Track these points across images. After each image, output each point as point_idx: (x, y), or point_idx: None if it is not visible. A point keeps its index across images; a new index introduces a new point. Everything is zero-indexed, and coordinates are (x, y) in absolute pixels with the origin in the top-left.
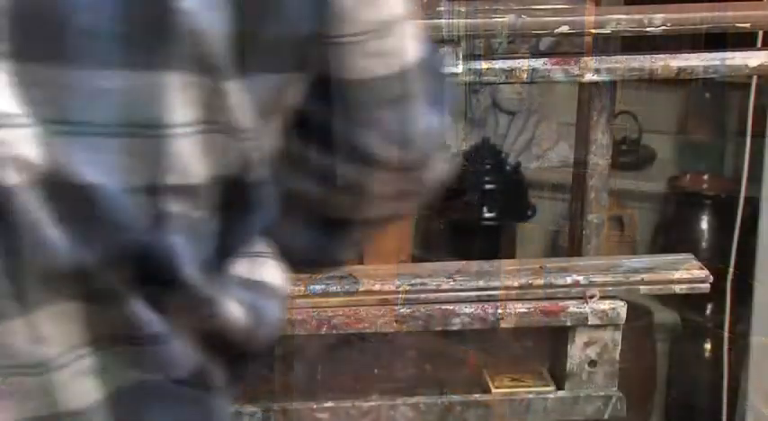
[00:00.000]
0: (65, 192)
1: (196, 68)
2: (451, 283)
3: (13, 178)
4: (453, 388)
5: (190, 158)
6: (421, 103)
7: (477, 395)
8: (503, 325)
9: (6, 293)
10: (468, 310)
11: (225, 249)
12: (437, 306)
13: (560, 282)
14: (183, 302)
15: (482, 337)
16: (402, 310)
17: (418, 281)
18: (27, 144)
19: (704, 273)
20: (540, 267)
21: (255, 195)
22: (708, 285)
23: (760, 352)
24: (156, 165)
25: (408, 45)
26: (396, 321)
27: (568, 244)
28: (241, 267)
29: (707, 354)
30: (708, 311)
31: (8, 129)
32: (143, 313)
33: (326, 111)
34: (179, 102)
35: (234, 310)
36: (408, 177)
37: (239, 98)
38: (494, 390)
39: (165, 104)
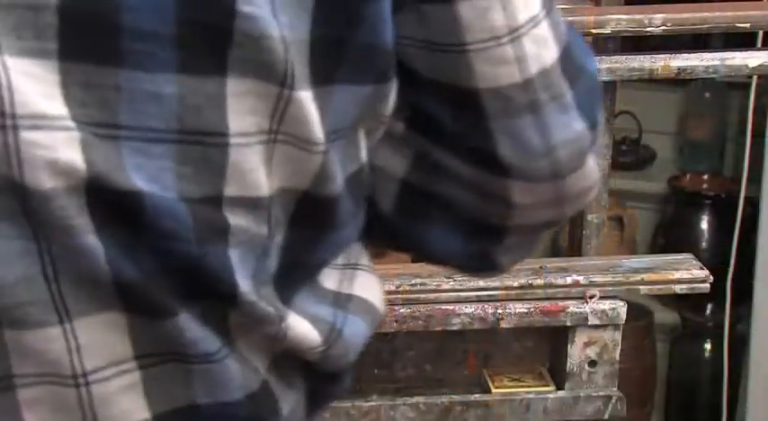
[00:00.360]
0: (108, 199)
1: (261, 75)
2: (451, 283)
3: (48, 182)
4: (453, 388)
5: (253, 169)
6: (562, 108)
7: (477, 395)
8: (503, 325)
9: (43, 299)
10: (468, 310)
11: (297, 265)
12: (437, 306)
13: (560, 282)
14: (242, 320)
15: (482, 337)
16: (402, 310)
17: (418, 281)
18: (67, 148)
19: (704, 273)
20: (540, 267)
21: (332, 211)
22: (708, 285)
23: (760, 352)
24: (214, 175)
25: (544, 46)
26: (396, 321)
27: (568, 244)
28: (331, 280)
29: (707, 354)
30: (708, 311)
31: (46, 132)
32: (193, 330)
33: (461, 122)
34: (240, 109)
35: (303, 328)
36: (556, 186)
37: (313, 109)
38: (494, 390)
39: (225, 111)
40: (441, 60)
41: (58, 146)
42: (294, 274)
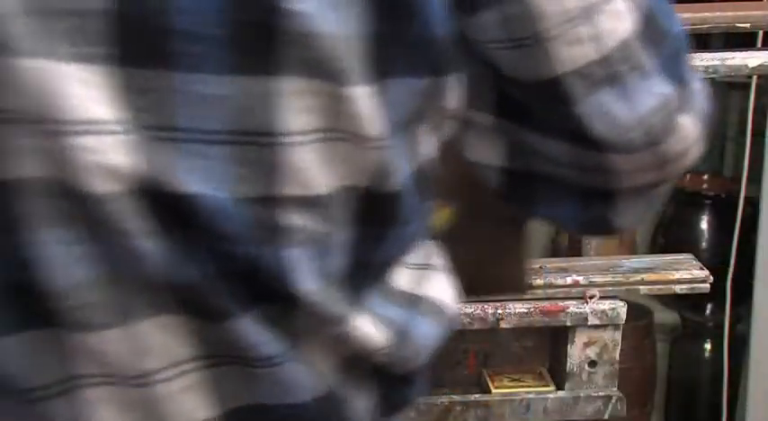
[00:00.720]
0: (163, 202)
1: (313, 73)
2: None
3: (101, 187)
4: (453, 388)
5: (310, 168)
6: (644, 75)
7: (477, 395)
8: (503, 325)
9: (104, 302)
10: (468, 310)
11: (364, 264)
12: None
13: (560, 282)
14: (307, 322)
15: (482, 337)
16: None
17: None
18: (119, 152)
19: (704, 273)
20: (540, 267)
21: (395, 206)
22: (708, 285)
23: (760, 352)
24: (271, 175)
25: (619, 20)
26: None
27: (568, 244)
28: (402, 280)
29: (707, 354)
30: (708, 311)
31: (98, 137)
32: (255, 332)
33: (547, 108)
34: (294, 108)
35: (368, 329)
36: (652, 152)
37: (369, 104)
38: (494, 390)
39: (279, 111)
40: (520, 55)
41: (109, 150)
42: (362, 273)
